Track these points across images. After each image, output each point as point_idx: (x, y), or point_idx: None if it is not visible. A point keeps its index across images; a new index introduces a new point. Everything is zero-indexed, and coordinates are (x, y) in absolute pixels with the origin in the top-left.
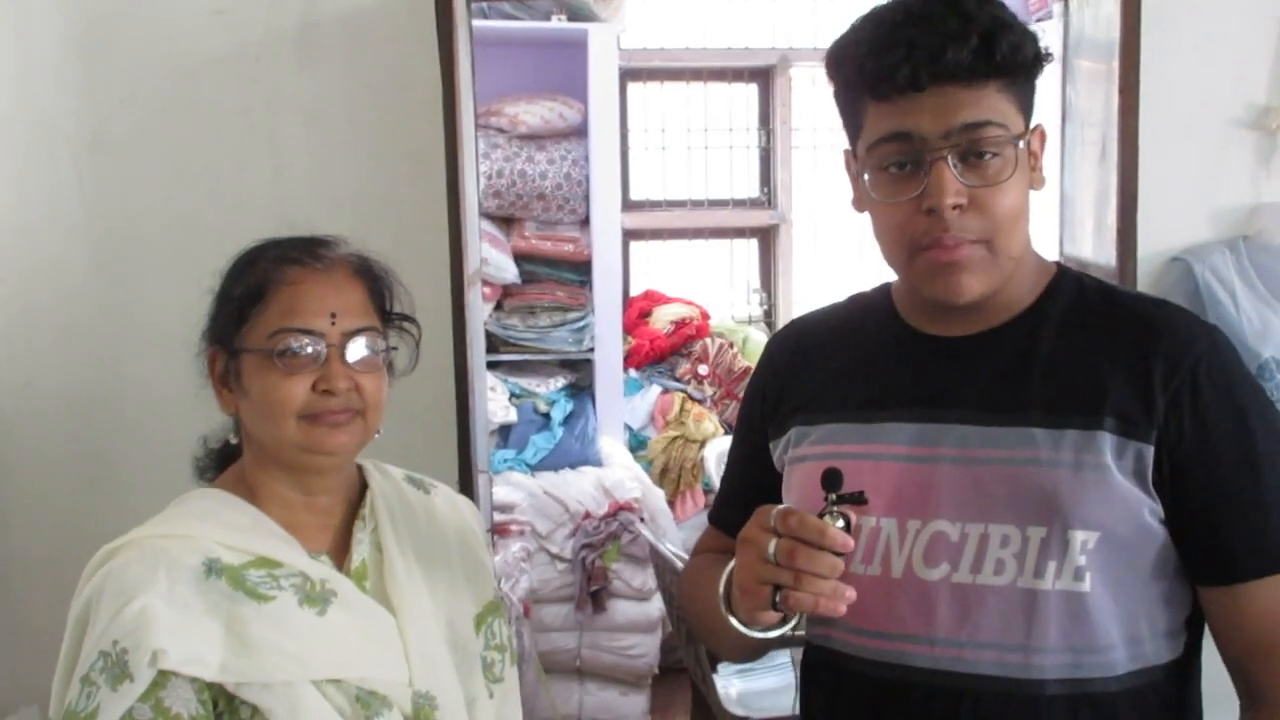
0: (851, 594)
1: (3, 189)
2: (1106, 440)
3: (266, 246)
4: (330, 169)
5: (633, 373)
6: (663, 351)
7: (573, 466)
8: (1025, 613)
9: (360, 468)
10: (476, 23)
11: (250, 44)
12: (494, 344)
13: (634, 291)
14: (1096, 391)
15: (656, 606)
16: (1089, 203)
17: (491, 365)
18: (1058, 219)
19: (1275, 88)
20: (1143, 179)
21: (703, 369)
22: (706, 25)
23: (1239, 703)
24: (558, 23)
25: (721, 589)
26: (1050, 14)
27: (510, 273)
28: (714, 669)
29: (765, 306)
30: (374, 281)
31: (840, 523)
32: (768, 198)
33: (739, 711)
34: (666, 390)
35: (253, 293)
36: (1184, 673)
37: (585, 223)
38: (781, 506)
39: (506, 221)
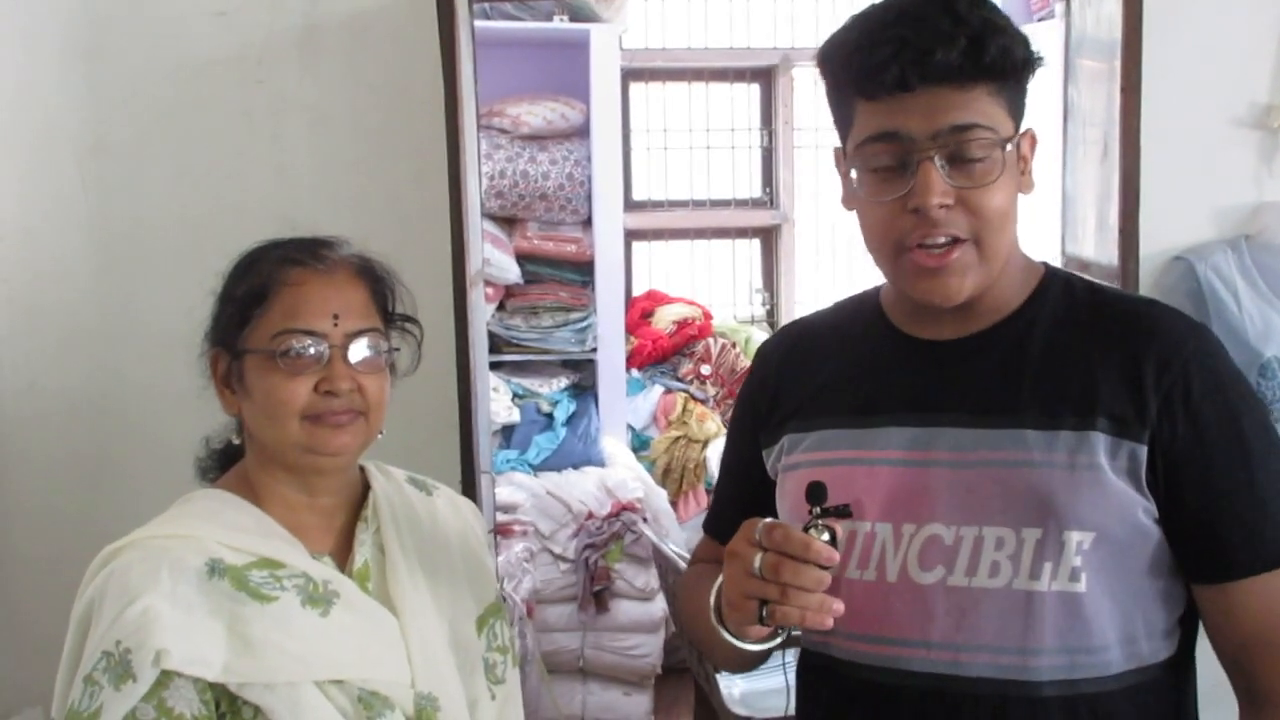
0: (839, 607)
1: (6, 191)
2: (1100, 440)
3: (268, 247)
4: (333, 170)
5: (635, 373)
6: (665, 351)
7: (575, 467)
8: (1022, 615)
9: (363, 469)
10: (479, 23)
11: (253, 46)
12: (496, 344)
13: (636, 291)
14: (1088, 392)
15: (659, 606)
16: (1091, 202)
17: (494, 366)
18: (1060, 218)
19: (1277, 86)
20: (1145, 178)
21: (705, 369)
22: (708, 25)
23: (1238, 701)
24: (560, 23)
25: (712, 602)
26: (1052, 13)
27: (513, 273)
28: (717, 669)
29: (767, 306)
30: (376, 282)
31: (826, 536)
32: (770, 198)
33: (742, 711)
34: (669, 390)
35: (255, 294)
36: (1179, 671)
37: (587, 223)
38: (767, 520)
39: (509, 222)
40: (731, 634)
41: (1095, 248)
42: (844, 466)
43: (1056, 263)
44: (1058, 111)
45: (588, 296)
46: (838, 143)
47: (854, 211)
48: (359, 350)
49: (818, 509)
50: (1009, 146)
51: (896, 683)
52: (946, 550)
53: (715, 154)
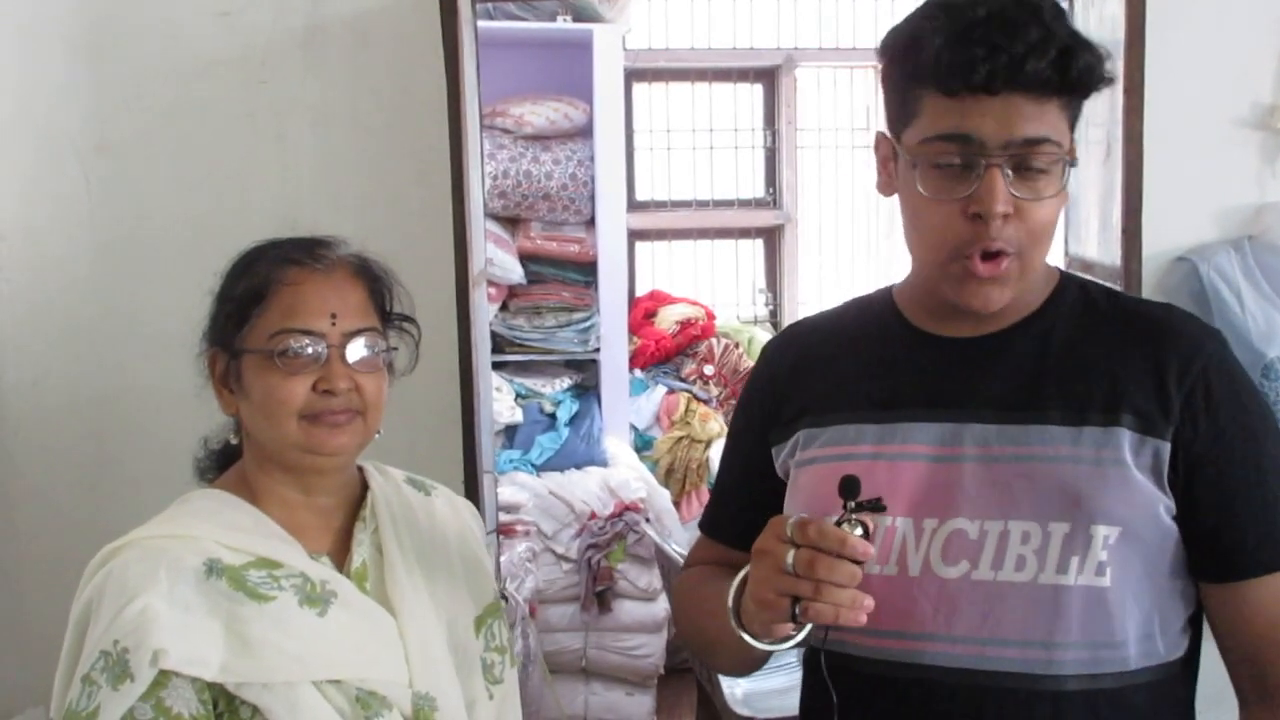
0: (870, 603)
1: (9, 191)
2: (1125, 437)
3: (266, 247)
4: (336, 170)
5: (638, 373)
6: (668, 352)
7: (578, 467)
8: (1049, 609)
9: (361, 469)
10: (482, 24)
11: (256, 46)
12: (499, 344)
13: (639, 292)
14: (1113, 389)
15: (662, 607)
16: (1094, 203)
17: (497, 366)
18: (1063, 219)
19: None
20: (1148, 179)
21: (708, 369)
22: (711, 25)
23: (1241, 699)
24: (563, 23)
25: (730, 602)
26: None
27: (516, 273)
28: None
29: (771, 306)
30: (374, 282)
31: (859, 531)
32: (773, 198)
33: (744, 712)
34: (672, 390)
35: (253, 293)
36: (1188, 670)
37: (591, 223)
38: (798, 516)
39: (512, 222)
40: (753, 634)
41: (1098, 248)
42: (865, 461)
43: (1059, 263)
44: None
45: (591, 297)
46: (883, 128)
47: (891, 198)
48: (357, 350)
49: (852, 503)
50: (1070, 161)
51: (918, 677)
52: (971, 544)
53: (718, 154)
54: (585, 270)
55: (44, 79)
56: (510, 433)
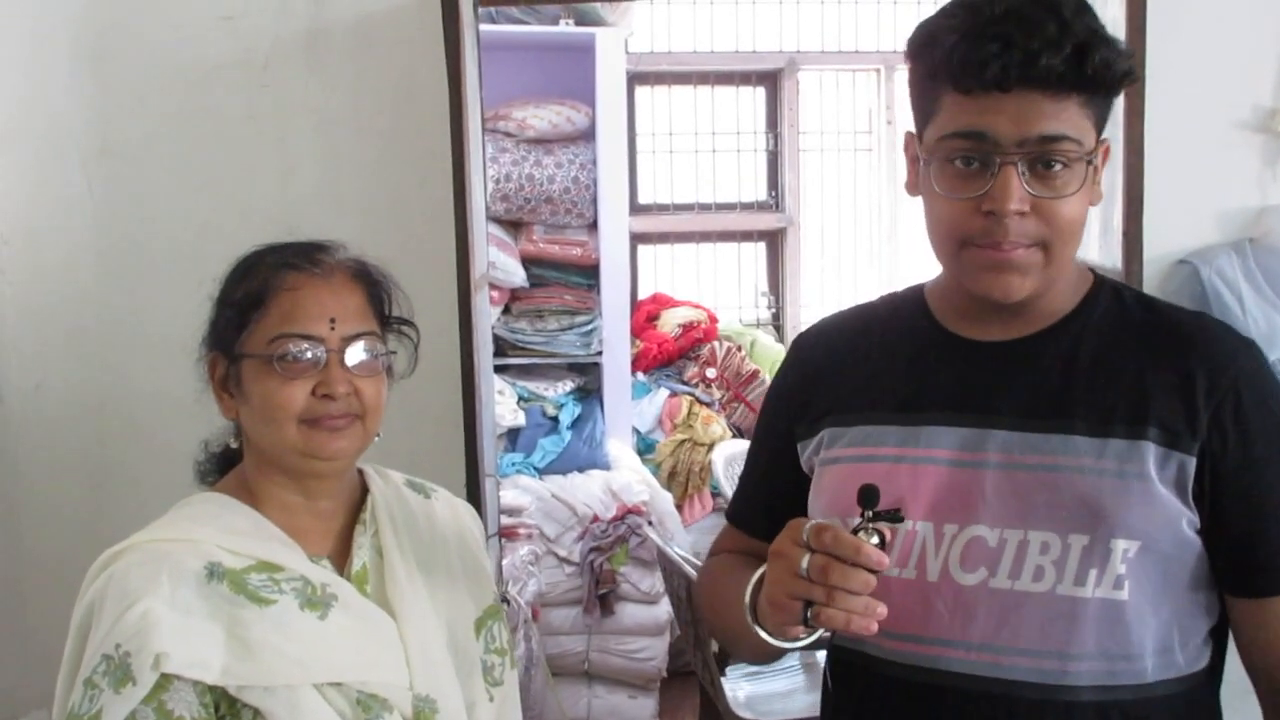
0: (883, 611)
1: (13, 194)
2: (1150, 450)
3: (265, 252)
4: (338, 174)
5: (640, 376)
6: (670, 355)
7: (581, 470)
8: (1065, 620)
9: (361, 472)
10: (484, 27)
11: (259, 50)
12: (502, 348)
13: (642, 295)
14: (1139, 401)
15: (664, 610)
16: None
17: (499, 369)
18: None
19: None
20: (1148, 182)
21: (710, 372)
22: (713, 29)
23: (1263, 712)
24: (565, 27)
25: (748, 599)
26: None
27: (518, 276)
28: (722, 672)
29: (773, 309)
30: (373, 286)
31: (875, 539)
32: (775, 201)
33: (747, 715)
34: (674, 393)
35: (252, 298)
36: (1209, 682)
37: (593, 226)
38: (815, 521)
39: (514, 225)
40: (768, 632)
41: (1100, 251)
42: (888, 464)
43: None
44: None
45: (593, 300)
46: (911, 128)
47: (919, 198)
48: (356, 354)
49: (869, 512)
50: (1091, 159)
51: (933, 682)
52: (990, 552)
53: (721, 157)
54: (587, 273)
55: (47, 83)
56: (513, 436)
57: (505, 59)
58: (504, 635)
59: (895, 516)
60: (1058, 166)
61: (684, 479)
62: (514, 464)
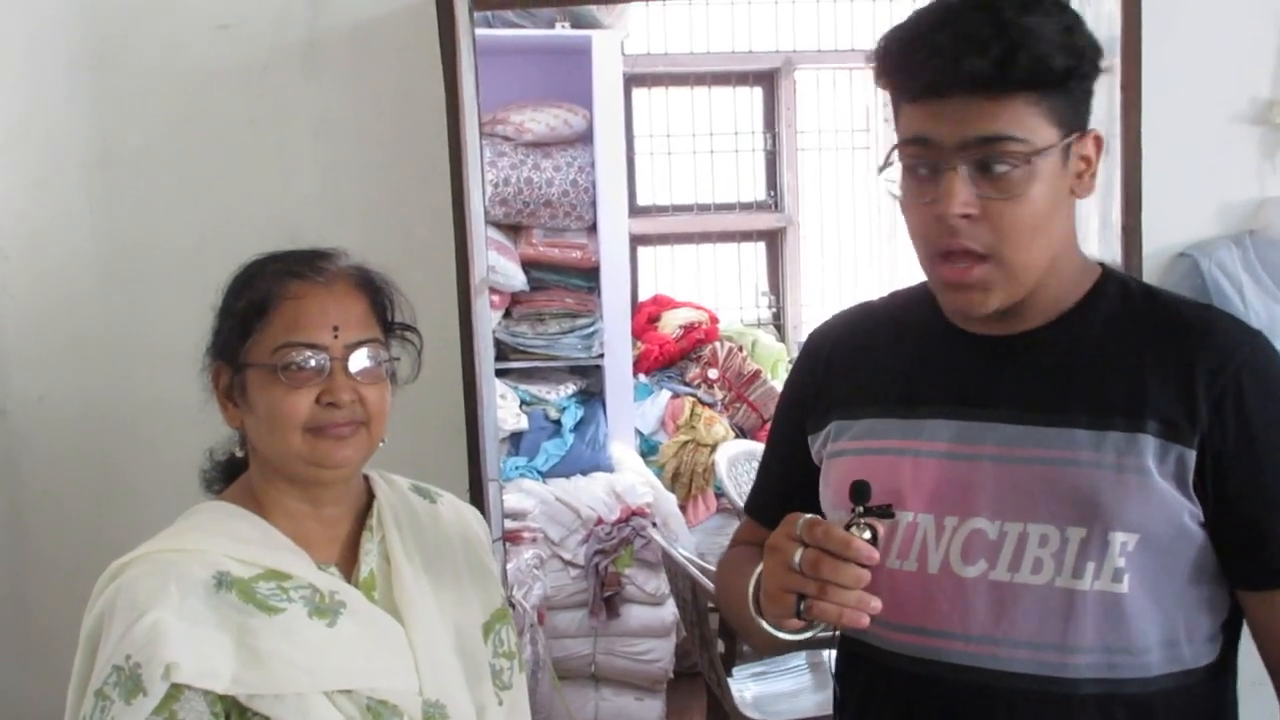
0: (876, 605)
1: (13, 203)
2: (1149, 443)
3: (267, 261)
4: (337, 180)
5: (642, 378)
6: (672, 356)
7: (584, 473)
8: (1062, 612)
9: (366, 478)
10: (481, 32)
11: (257, 57)
12: (503, 351)
13: (642, 296)
14: (1138, 394)
15: (670, 611)
16: (1094, 199)
17: (501, 373)
18: None
19: (1278, 81)
20: (1147, 175)
21: (712, 373)
22: (710, 29)
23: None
24: (561, 30)
25: (750, 592)
26: None
27: (518, 280)
28: (729, 673)
29: (774, 309)
30: (375, 293)
31: (867, 534)
32: (774, 201)
33: (754, 715)
34: (676, 395)
35: (255, 307)
36: (1220, 675)
37: (592, 229)
38: (808, 516)
39: (514, 229)
40: (769, 624)
41: (1099, 245)
42: (890, 456)
43: None
44: None
45: (594, 302)
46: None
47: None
48: (359, 361)
49: (860, 508)
50: (1047, 156)
51: (933, 673)
52: (989, 544)
53: (719, 158)
54: (588, 276)
55: (46, 93)
56: (516, 440)
57: (502, 63)
58: (512, 639)
59: (886, 512)
60: (1004, 167)
61: (687, 480)
62: (517, 468)
